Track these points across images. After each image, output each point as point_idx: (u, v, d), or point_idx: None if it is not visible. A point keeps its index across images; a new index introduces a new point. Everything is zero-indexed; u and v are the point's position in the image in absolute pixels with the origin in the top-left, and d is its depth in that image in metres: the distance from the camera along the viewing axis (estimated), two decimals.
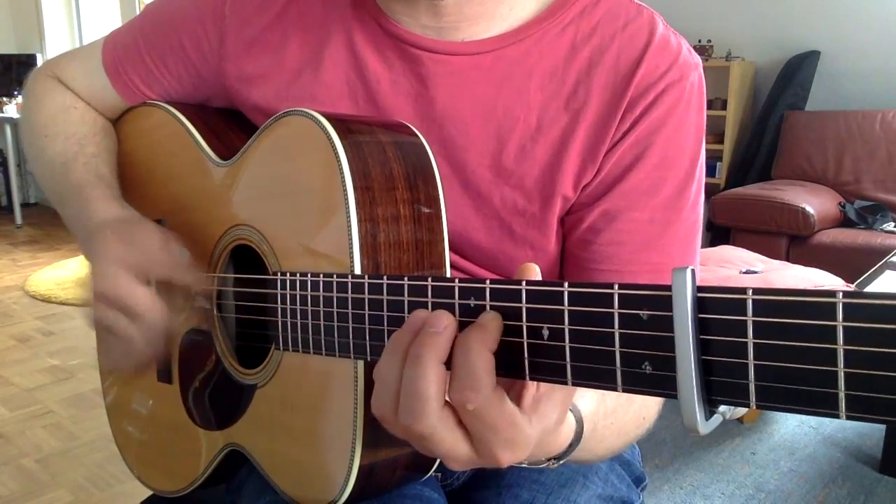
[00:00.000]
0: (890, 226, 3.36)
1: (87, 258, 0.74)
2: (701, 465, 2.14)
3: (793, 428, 2.37)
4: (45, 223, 5.66)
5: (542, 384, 0.43)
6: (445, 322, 0.42)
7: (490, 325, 0.41)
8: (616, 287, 0.36)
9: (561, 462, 0.52)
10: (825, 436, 2.32)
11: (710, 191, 3.83)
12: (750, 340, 0.32)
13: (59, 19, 6.22)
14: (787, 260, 3.18)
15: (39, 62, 5.79)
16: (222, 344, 0.73)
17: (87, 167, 0.79)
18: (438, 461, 0.65)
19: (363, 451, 0.58)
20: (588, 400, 0.56)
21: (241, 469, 0.78)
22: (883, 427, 2.16)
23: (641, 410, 0.65)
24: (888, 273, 2.38)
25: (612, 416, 0.59)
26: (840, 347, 0.29)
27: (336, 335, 0.54)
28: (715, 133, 4.08)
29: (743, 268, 2.62)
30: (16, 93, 5.66)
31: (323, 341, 0.55)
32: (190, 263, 0.72)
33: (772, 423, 2.39)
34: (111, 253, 0.68)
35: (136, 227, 0.73)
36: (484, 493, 0.75)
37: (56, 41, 6.15)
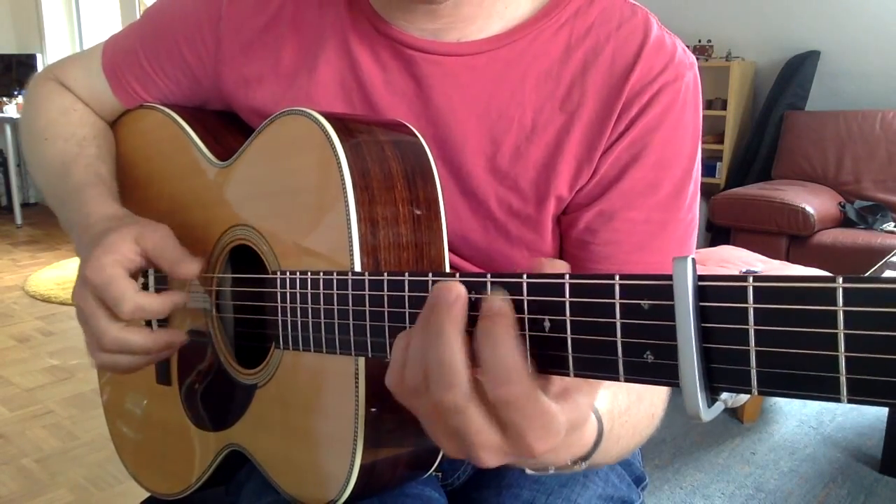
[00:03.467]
0: (890, 226, 3.36)
1: (81, 258, 0.74)
2: (701, 465, 2.14)
3: (793, 428, 2.37)
4: (45, 223, 5.66)
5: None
6: (456, 292, 0.41)
7: (507, 309, 0.40)
8: (617, 277, 0.36)
9: (585, 464, 0.50)
10: (825, 436, 2.32)
11: (710, 191, 3.83)
12: (751, 327, 0.32)
13: (59, 19, 6.22)
14: (787, 260, 3.18)
15: (39, 62, 5.80)
16: (221, 344, 0.73)
17: (87, 168, 0.79)
18: (439, 459, 0.65)
19: (364, 449, 0.58)
20: (602, 399, 0.55)
21: (241, 470, 0.78)
22: (883, 427, 2.16)
23: (651, 408, 0.64)
24: (888, 273, 2.39)
25: (627, 415, 0.58)
26: (841, 332, 0.29)
27: (337, 333, 0.53)
28: (715, 133, 4.09)
29: (743, 268, 2.62)
30: (16, 93, 5.66)
31: (324, 339, 0.55)
32: (188, 257, 0.68)
33: (772, 423, 2.39)
34: (115, 246, 0.66)
35: (131, 219, 0.72)
36: (484, 492, 0.74)
37: (56, 41, 6.15)
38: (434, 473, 0.68)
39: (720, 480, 2.06)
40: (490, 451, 0.41)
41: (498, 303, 0.40)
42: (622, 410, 0.58)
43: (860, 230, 3.35)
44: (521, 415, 0.39)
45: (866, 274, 2.32)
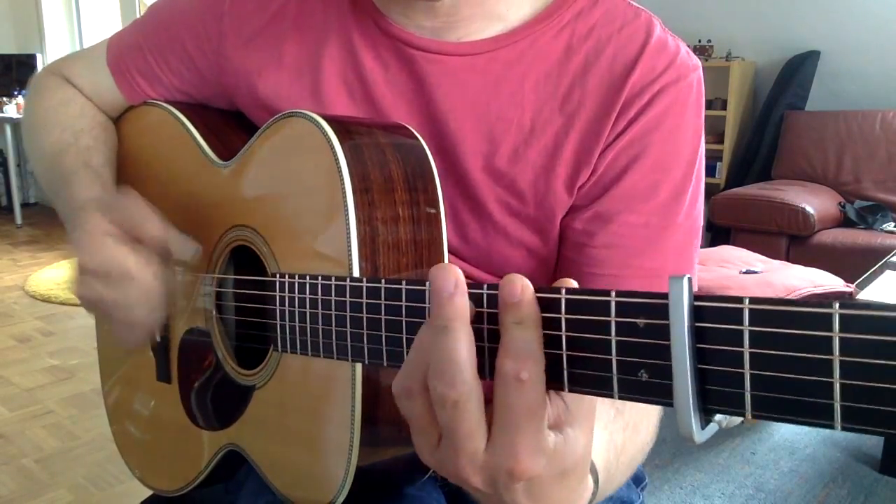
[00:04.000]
0: (890, 226, 3.36)
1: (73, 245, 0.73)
2: (701, 465, 2.14)
3: (793, 428, 2.37)
4: (45, 223, 5.66)
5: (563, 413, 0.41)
6: (453, 279, 0.39)
7: (531, 294, 0.39)
8: (613, 294, 0.36)
9: None
10: (825, 436, 2.32)
11: (710, 191, 3.83)
12: (746, 350, 0.31)
13: (59, 19, 6.21)
14: (787, 260, 3.18)
15: (39, 62, 5.79)
16: (221, 344, 0.73)
17: (78, 156, 0.79)
18: None
19: (361, 452, 0.58)
20: (599, 449, 0.53)
21: (241, 468, 0.78)
22: None
23: (646, 436, 0.64)
24: (888, 273, 2.38)
25: (623, 454, 0.57)
26: (836, 358, 0.29)
27: (334, 338, 0.53)
28: (715, 133, 4.09)
29: (743, 268, 2.62)
30: (16, 93, 5.66)
31: (321, 343, 0.55)
32: (150, 217, 0.69)
33: (772, 423, 2.39)
34: (91, 223, 0.66)
35: (116, 196, 0.72)
36: None
37: (56, 41, 6.14)
38: (433, 474, 0.68)
39: (720, 480, 2.06)
40: (474, 461, 0.40)
41: (521, 282, 0.38)
42: (618, 451, 0.57)
43: (860, 230, 3.35)
44: (525, 405, 0.37)
45: (866, 274, 2.32)
